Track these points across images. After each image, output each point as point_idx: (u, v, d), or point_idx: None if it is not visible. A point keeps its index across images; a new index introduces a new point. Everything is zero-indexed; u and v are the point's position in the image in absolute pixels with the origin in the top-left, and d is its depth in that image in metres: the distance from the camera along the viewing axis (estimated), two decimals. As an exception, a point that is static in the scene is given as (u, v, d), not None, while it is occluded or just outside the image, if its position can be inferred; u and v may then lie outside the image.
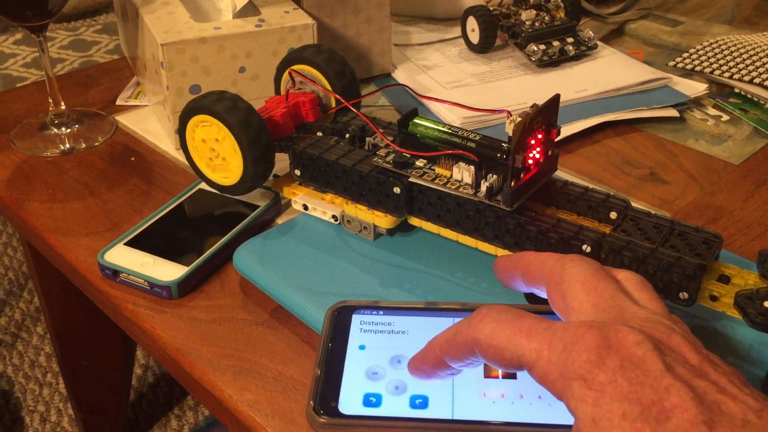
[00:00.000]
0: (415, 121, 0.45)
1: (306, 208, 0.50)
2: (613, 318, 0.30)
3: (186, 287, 0.46)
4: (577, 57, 0.72)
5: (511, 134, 0.40)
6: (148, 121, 0.65)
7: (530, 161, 0.42)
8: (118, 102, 0.69)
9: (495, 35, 0.74)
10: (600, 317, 0.30)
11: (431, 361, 0.34)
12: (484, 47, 0.74)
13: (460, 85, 0.69)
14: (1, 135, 0.64)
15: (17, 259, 1.34)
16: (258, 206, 0.52)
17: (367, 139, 0.49)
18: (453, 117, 0.62)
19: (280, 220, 0.53)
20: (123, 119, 0.66)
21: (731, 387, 0.26)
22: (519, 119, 0.39)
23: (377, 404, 0.34)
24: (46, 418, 1.05)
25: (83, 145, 0.62)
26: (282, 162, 0.51)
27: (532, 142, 0.41)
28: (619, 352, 0.27)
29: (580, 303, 0.31)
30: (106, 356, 0.87)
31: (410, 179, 0.45)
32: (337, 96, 0.50)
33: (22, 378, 1.11)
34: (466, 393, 0.35)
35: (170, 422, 1.03)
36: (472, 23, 0.74)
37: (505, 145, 0.42)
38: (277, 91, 0.58)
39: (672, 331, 0.29)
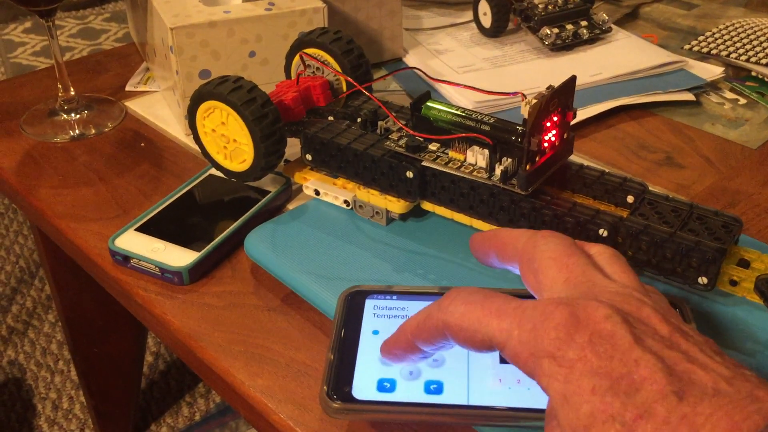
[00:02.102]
0: (428, 104, 0.45)
1: (317, 193, 0.49)
2: (583, 293, 0.29)
3: (197, 273, 0.46)
4: (591, 41, 0.71)
5: (526, 116, 0.39)
6: (158, 107, 0.65)
7: (546, 144, 0.41)
8: (128, 88, 0.68)
9: (507, 19, 0.73)
10: (571, 293, 0.30)
11: (403, 345, 0.33)
12: (496, 31, 0.73)
13: (472, 69, 0.68)
14: (10, 121, 0.64)
15: (28, 247, 1.34)
16: (269, 192, 0.52)
17: (379, 123, 0.48)
18: (465, 101, 0.61)
19: (291, 206, 0.53)
20: (132, 105, 0.65)
21: (702, 356, 0.26)
22: (535, 101, 0.39)
23: (391, 389, 0.34)
24: (58, 405, 1.05)
25: (93, 131, 0.62)
26: (292, 147, 0.50)
27: (548, 124, 0.41)
28: (587, 327, 0.27)
29: (552, 280, 0.31)
30: (118, 343, 0.87)
31: (423, 163, 0.44)
32: (350, 79, 0.49)
33: (33, 365, 1.11)
34: (481, 378, 0.34)
35: (181, 409, 1.04)
36: (484, 7, 0.73)
37: (520, 128, 0.41)
38: (288, 75, 0.57)
39: (642, 303, 0.28)
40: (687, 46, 0.72)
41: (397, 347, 0.34)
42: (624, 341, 0.26)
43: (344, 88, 0.53)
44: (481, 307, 0.30)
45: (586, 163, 0.45)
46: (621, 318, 0.27)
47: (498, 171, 0.41)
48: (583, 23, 0.71)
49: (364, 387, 0.34)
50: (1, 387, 1.08)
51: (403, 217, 0.47)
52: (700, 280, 0.38)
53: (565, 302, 0.28)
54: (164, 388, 1.07)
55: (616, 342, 0.26)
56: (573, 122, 0.45)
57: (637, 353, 0.25)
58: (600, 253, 0.33)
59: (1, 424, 0.95)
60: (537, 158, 0.41)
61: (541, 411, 0.33)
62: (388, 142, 0.46)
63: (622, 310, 0.27)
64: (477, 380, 0.34)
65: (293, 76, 0.56)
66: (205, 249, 0.47)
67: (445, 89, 0.63)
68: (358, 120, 0.49)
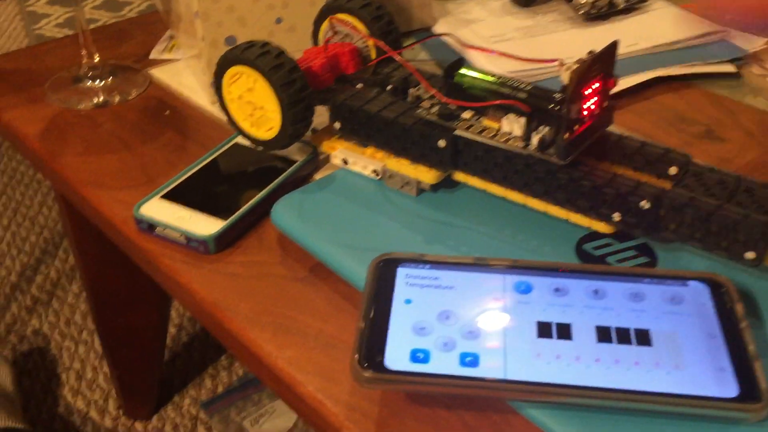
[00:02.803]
0: (462, 71, 0.43)
1: (345, 162, 0.48)
2: None
3: (223, 242, 0.45)
4: (627, 10, 0.69)
5: (566, 82, 0.37)
6: (183, 75, 0.64)
7: (585, 112, 0.40)
8: (152, 56, 0.67)
9: (540, -13, 0.70)
10: None
11: None
12: (528, 0, 0.71)
13: (503, 39, 0.66)
14: (35, 88, 0.63)
15: (52, 218, 1.35)
16: (295, 161, 0.51)
17: (410, 90, 0.47)
18: (498, 71, 0.59)
19: (317, 176, 0.51)
20: (157, 73, 0.64)
21: None
22: (576, 66, 0.37)
23: (425, 360, 0.33)
24: (81, 375, 1.06)
25: (117, 99, 0.61)
26: (319, 116, 0.49)
27: (588, 91, 0.39)
28: None
29: None
30: (141, 314, 0.87)
31: (456, 132, 0.43)
32: (382, 44, 0.47)
33: (58, 335, 1.12)
34: (519, 353, 0.33)
35: (204, 382, 1.04)
36: (516, -25, 0.70)
37: (558, 96, 0.40)
38: (315, 42, 0.56)
39: None
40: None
41: None
42: None
43: (373, 55, 0.52)
44: None
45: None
46: None
47: (535, 140, 0.40)
48: (619, -8, 0.69)
49: (396, 357, 0.33)
50: (26, 356, 1.09)
51: (434, 187, 0.46)
52: (747, 255, 0.36)
53: None
54: (187, 360, 1.07)
55: None
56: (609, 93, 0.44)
57: None
58: None
59: (25, 393, 0.95)
60: (576, 127, 0.39)
61: (581, 388, 0.32)
62: (419, 110, 0.45)
63: None
64: (514, 354, 0.33)
65: (320, 43, 0.55)
66: (232, 217, 0.46)
67: (477, 58, 0.61)
68: (388, 88, 0.48)
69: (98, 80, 0.62)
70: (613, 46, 0.40)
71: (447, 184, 0.46)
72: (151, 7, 2.13)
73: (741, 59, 0.63)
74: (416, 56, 0.65)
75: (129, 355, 0.91)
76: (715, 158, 0.52)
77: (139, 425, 0.99)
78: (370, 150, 0.48)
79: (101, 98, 0.61)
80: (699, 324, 0.34)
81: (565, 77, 0.37)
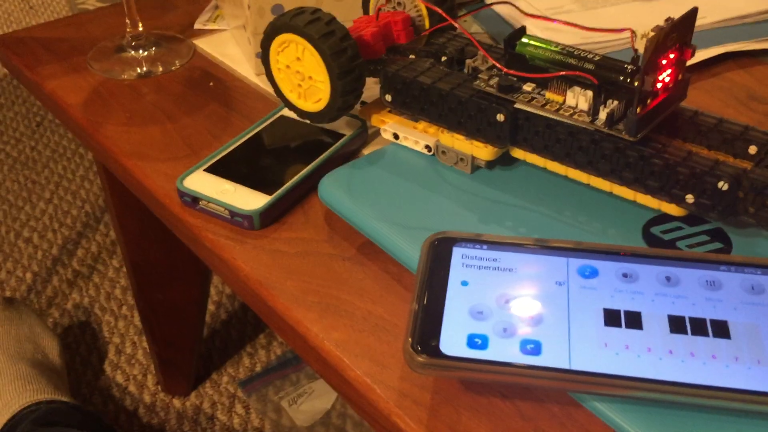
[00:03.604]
0: (524, 40, 0.41)
1: (396, 137, 0.46)
2: None
3: (268, 218, 0.43)
4: (693, -18, 0.65)
5: (641, 51, 0.35)
6: (227, 46, 0.62)
7: (659, 85, 0.37)
8: (196, 26, 0.66)
9: (600, -42, 0.67)
10: None
11: None
12: (587, -29, 0.67)
13: (561, 11, 0.63)
14: (77, 57, 0.62)
15: (94, 192, 1.35)
16: (344, 135, 0.49)
17: (467, 61, 0.44)
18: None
19: (366, 151, 0.49)
20: (201, 43, 0.63)
21: None
22: (652, 33, 0.34)
23: (483, 346, 0.31)
24: (121, 349, 1.06)
25: (160, 69, 0.60)
26: (369, 89, 0.47)
27: (664, 62, 0.36)
28: None
29: None
30: (182, 290, 0.87)
31: (516, 105, 0.40)
32: (441, 11, 0.45)
33: (98, 309, 1.12)
34: (585, 341, 0.31)
35: (242, 360, 1.03)
36: (575, -56, 0.67)
37: (629, 67, 0.37)
38: (366, 12, 0.53)
39: None
40: (799, -9, 0.66)
41: None
42: None
43: (427, 24, 0.49)
44: None
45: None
46: None
47: (603, 114, 0.37)
48: (685, -37, 0.65)
49: (452, 342, 0.31)
50: (67, 330, 1.09)
51: (490, 164, 0.43)
52: (836, 242, 0.33)
53: None
54: (226, 338, 1.06)
55: None
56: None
57: None
58: None
59: (66, 366, 0.96)
60: (648, 101, 0.37)
61: (652, 381, 0.29)
62: (477, 82, 0.42)
63: None
64: (579, 343, 0.31)
65: (371, 11, 0.52)
66: (277, 192, 0.44)
67: (537, 28, 0.58)
68: (443, 59, 0.46)
69: (141, 50, 0.61)
70: (693, 13, 0.37)
71: (504, 160, 0.44)
72: (193, -17, 2.12)
73: (817, 35, 0.59)
74: (468, 29, 0.63)
75: (168, 330, 0.90)
76: (791, 139, 0.48)
77: (177, 401, 0.99)
78: (422, 124, 0.45)
79: (144, 68, 0.60)
80: (783, 316, 0.32)
81: (640, 46, 0.34)
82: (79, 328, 1.10)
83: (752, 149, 0.37)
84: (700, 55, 0.56)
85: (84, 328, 1.10)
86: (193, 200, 0.45)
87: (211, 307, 1.10)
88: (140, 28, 0.61)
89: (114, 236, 1.24)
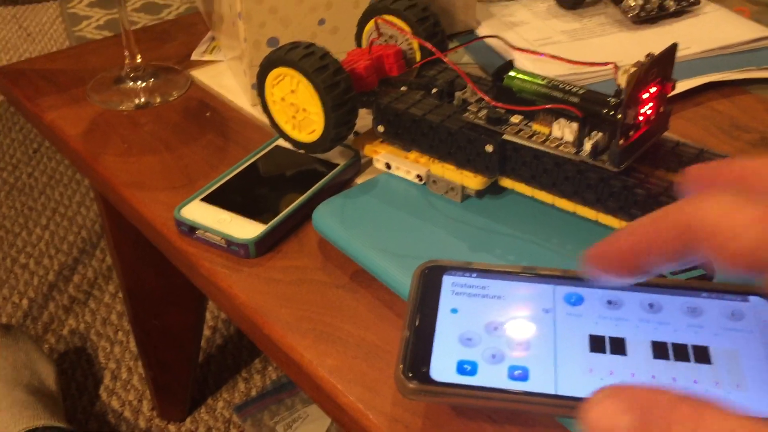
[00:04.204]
0: (511, 73, 0.42)
1: (388, 167, 0.47)
2: None
3: (264, 246, 0.44)
4: (678, 13, 0.67)
5: (623, 86, 0.36)
6: (224, 77, 0.63)
7: (641, 117, 0.38)
8: (193, 57, 0.67)
9: (587, -10, 0.69)
10: None
11: (624, 251, 0.24)
12: (575, 3, 0.69)
13: (550, 42, 0.65)
14: (77, 88, 0.63)
15: (90, 218, 1.36)
16: (337, 164, 0.50)
17: (456, 93, 0.46)
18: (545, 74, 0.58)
19: (359, 180, 0.50)
20: (198, 74, 0.64)
21: None
22: (633, 69, 0.36)
23: (472, 372, 0.32)
24: (116, 375, 1.06)
25: (158, 100, 0.61)
26: (362, 119, 0.48)
27: (645, 96, 0.38)
28: None
29: None
30: (178, 315, 0.87)
31: (504, 136, 0.42)
32: (430, 46, 0.46)
33: (93, 335, 1.13)
34: (571, 367, 0.32)
35: (238, 385, 1.03)
36: (562, -23, 0.69)
37: (612, 100, 0.38)
38: (358, 44, 0.55)
39: None
40: (781, 21, 0.68)
41: (612, 249, 0.25)
42: None
43: (418, 57, 0.51)
44: (753, 206, 0.21)
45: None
46: None
47: (588, 145, 0.39)
48: (669, -5, 0.67)
49: (442, 368, 0.32)
50: (62, 356, 1.10)
51: (480, 194, 0.45)
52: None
53: None
54: (221, 363, 1.07)
55: None
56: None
57: None
58: None
59: (61, 392, 0.96)
60: (631, 133, 0.38)
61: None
62: (466, 114, 0.43)
63: None
64: (565, 368, 0.32)
65: (364, 44, 0.54)
66: (273, 221, 0.45)
67: (522, 61, 0.60)
68: (433, 91, 0.47)
69: (140, 81, 0.62)
70: (673, 48, 0.38)
71: (493, 190, 0.45)
72: (190, 10, 2.15)
73: (797, 65, 0.61)
74: (459, 59, 0.64)
75: (164, 356, 0.91)
76: (772, 167, 0.50)
77: (172, 427, 0.99)
78: (413, 154, 0.47)
79: (142, 99, 0.61)
80: (762, 342, 0.33)
81: (622, 80, 0.36)
82: (75, 354, 1.11)
83: (732, 179, 0.38)
84: (685, 85, 0.58)
85: (80, 354, 1.10)
86: (190, 229, 0.46)
87: (206, 332, 1.11)
88: (138, 60, 0.62)
89: (110, 262, 1.25)
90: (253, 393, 1.02)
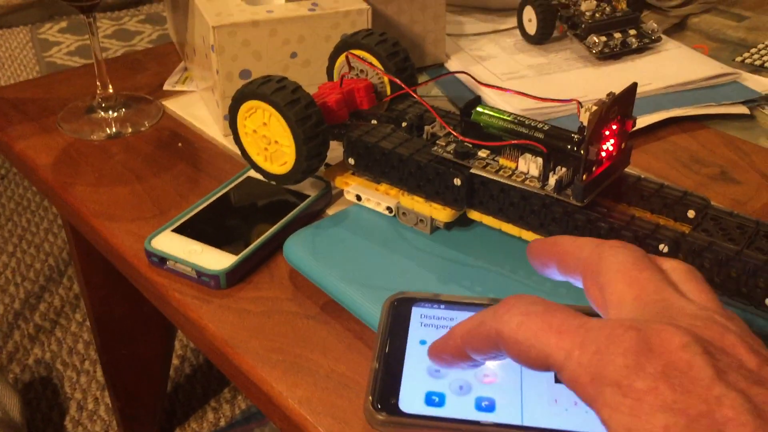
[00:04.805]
0: (479, 109, 0.43)
1: (359, 198, 0.48)
2: (657, 314, 0.27)
3: (234, 277, 0.45)
4: (640, 50, 0.69)
5: (585, 123, 0.37)
6: (196, 107, 0.64)
7: (604, 153, 0.39)
8: (166, 87, 0.67)
9: (553, 26, 0.71)
10: (642, 313, 0.27)
11: (452, 351, 0.31)
12: (541, 38, 0.71)
13: (516, 76, 0.66)
14: (47, 117, 0.63)
15: (57, 246, 1.34)
16: (308, 196, 0.50)
17: (426, 127, 0.47)
18: (511, 109, 0.59)
19: (330, 211, 0.51)
20: (170, 104, 0.64)
21: None
22: (595, 107, 0.37)
23: (440, 404, 0.32)
24: (83, 405, 1.05)
25: (130, 130, 0.61)
26: (333, 151, 0.49)
27: (607, 133, 0.39)
28: (661, 356, 0.24)
29: (620, 296, 0.28)
30: (146, 345, 0.87)
31: (472, 170, 0.43)
32: (398, 81, 0.47)
33: (60, 365, 1.11)
34: (536, 398, 0.32)
35: (207, 414, 1.02)
36: (529, 13, 0.71)
37: (575, 136, 0.39)
38: (330, 77, 0.56)
39: (725, 329, 0.25)
40: (739, 58, 0.70)
41: (446, 351, 0.32)
42: (704, 374, 0.23)
43: (388, 91, 0.52)
44: (540, 320, 0.27)
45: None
46: (701, 347, 0.24)
47: (552, 180, 0.40)
48: (632, 32, 0.69)
49: (411, 400, 0.32)
50: (27, 386, 1.08)
51: (449, 225, 0.45)
52: (767, 301, 0.36)
53: (636, 326, 0.25)
54: (190, 392, 1.06)
55: (695, 375, 0.23)
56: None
57: (720, 389, 0.23)
58: (675, 268, 0.30)
59: (26, 423, 0.94)
60: (594, 168, 0.39)
61: (600, 436, 0.31)
62: (435, 148, 0.44)
63: (703, 337, 0.24)
64: (531, 399, 0.32)
65: (336, 78, 0.55)
66: (243, 252, 0.45)
67: (490, 96, 0.61)
68: (403, 124, 0.48)
69: (111, 111, 0.63)
70: (633, 88, 0.39)
71: (461, 222, 0.46)
72: (162, 37, 2.15)
73: (754, 101, 0.63)
74: (429, 92, 0.65)
75: (132, 386, 0.90)
76: (730, 200, 0.51)
77: (139, 458, 0.98)
78: (383, 186, 0.47)
79: (114, 129, 0.61)
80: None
81: (584, 118, 0.37)
82: (41, 384, 1.09)
83: (691, 213, 0.40)
84: (647, 120, 0.59)
85: (45, 384, 1.09)
86: (160, 260, 0.46)
87: (175, 361, 1.10)
88: (110, 90, 0.63)
89: (78, 290, 1.24)
90: (222, 423, 1.02)
